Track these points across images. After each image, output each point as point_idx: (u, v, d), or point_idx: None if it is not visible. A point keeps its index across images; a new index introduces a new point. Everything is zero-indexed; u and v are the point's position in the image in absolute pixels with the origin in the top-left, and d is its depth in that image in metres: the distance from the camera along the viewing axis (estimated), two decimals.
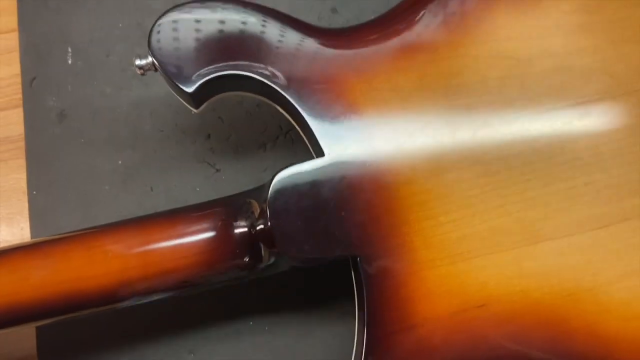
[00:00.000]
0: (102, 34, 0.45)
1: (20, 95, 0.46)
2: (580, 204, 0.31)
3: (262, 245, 0.32)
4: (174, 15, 0.32)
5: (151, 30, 0.32)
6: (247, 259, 0.32)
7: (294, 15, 0.43)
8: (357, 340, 0.31)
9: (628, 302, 0.30)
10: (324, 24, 0.43)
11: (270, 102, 0.33)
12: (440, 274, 0.30)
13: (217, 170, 0.43)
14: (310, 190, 0.31)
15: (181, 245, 0.32)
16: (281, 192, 0.31)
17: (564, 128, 0.31)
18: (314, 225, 0.30)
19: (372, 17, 0.42)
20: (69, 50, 0.46)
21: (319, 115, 0.32)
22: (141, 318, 0.40)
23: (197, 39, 0.32)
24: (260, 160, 0.43)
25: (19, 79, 0.46)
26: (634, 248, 0.30)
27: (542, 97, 0.32)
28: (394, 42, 0.33)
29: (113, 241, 0.32)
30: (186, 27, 0.32)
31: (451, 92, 0.32)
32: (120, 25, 0.45)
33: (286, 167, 0.31)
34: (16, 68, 0.46)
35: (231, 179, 0.43)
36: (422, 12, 0.33)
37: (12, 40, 0.46)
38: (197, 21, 0.32)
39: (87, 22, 0.46)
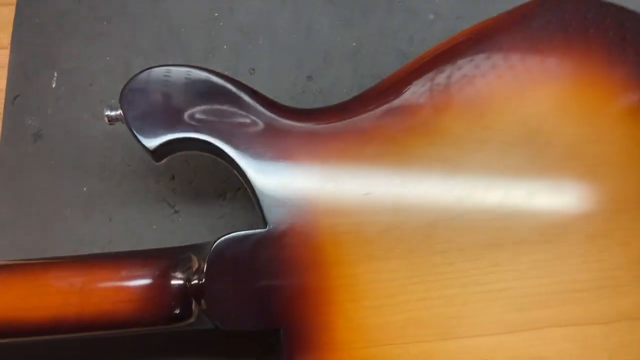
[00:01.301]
0: (89, 63, 0.48)
1: (2, 110, 0.47)
2: (493, 307, 0.33)
3: (193, 301, 0.34)
4: (147, 76, 0.34)
5: (124, 87, 0.34)
6: (177, 311, 0.34)
7: (272, 77, 0.47)
8: None
9: None
10: (298, 89, 0.46)
11: (228, 165, 0.36)
12: (355, 357, 0.32)
13: (176, 212, 0.45)
14: (247, 259, 0.33)
15: (121, 289, 0.34)
16: (220, 256, 0.33)
17: (486, 237, 0.34)
18: (244, 294, 0.32)
19: (343, 89, 0.46)
20: (55, 74, 0.48)
21: (268, 189, 0.34)
22: (69, 349, 0.42)
23: (165, 102, 0.34)
24: (218, 208, 0.45)
25: (3, 95, 0.48)
26: (532, 357, 0.32)
27: (476, 202, 0.34)
28: (349, 128, 0.35)
29: (57, 276, 0.34)
30: (156, 89, 0.34)
31: (394, 185, 0.34)
32: (107, 58, 0.47)
33: (231, 232, 0.33)
34: (2, 83, 0.48)
35: (187, 222, 0.45)
36: (377, 108, 0.35)
37: (4, 56, 0.48)
38: (167, 85, 0.34)
39: (77, 50, 0.48)
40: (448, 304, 0.33)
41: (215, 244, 0.33)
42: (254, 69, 0.47)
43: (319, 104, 0.47)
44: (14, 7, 0.49)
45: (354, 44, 0.47)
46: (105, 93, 0.47)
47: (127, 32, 0.48)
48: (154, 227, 0.45)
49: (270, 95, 0.38)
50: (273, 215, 0.33)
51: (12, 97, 0.47)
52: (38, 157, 0.46)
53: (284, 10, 0.48)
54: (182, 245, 0.36)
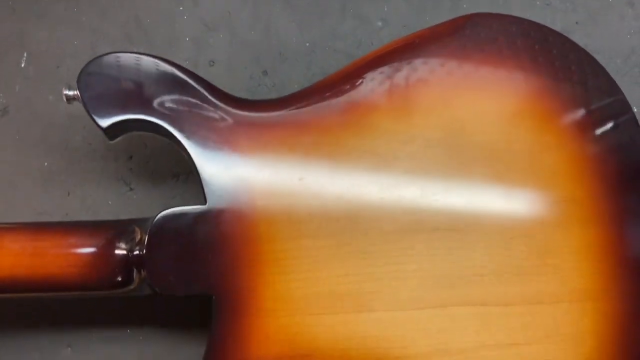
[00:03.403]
0: (57, 46, 0.50)
1: None
2: (406, 286, 0.37)
3: (134, 270, 0.37)
4: (104, 60, 0.37)
5: (82, 69, 0.37)
6: (119, 279, 0.37)
7: (230, 70, 0.50)
8: None
9: None
10: (254, 83, 0.49)
11: (175, 145, 0.39)
12: (279, 323, 0.35)
13: (131, 189, 0.48)
14: (186, 231, 0.36)
15: (69, 254, 0.37)
16: (162, 227, 0.36)
17: (405, 223, 0.38)
18: (182, 263, 0.36)
19: (295, 85, 0.49)
20: (25, 54, 0.50)
21: (209, 168, 0.37)
22: (24, 309, 0.44)
23: (118, 85, 0.37)
24: (171, 188, 0.48)
25: None
26: (438, 331, 0.36)
27: (399, 192, 0.38)
28: (290, 119, 0.39)
29: (10, 239, 0.37)
30: (110, 73, 0.37)
31: (323, 177, 0.38)
32: (75, 42, 0.50)
33: (172, 207, 0.37)
34: None
35: (142, 200, 0.48)
36: (318, 103, 0.39)
37: None
38: (120, 69, 0.37)
39: (46, 33, 0.51)
40: (366, 280, 0.37)
41: (157, 217, 0.36)
42: (213, 62, 0.50)
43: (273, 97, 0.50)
44: None
45: (307, 44, 0.50)
46: (71, 75, 0.50)
47: (95, 19, 0.51)
48: (110, 203, 0.48)
49: (227, 87, 0.42)
50: (212, 194, 0.37)
51: None
52: (3, 131, 0.49)
53: (244, 8, 0.51)
54: (129, 218, 0.39)
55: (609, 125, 0.41)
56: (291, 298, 0.36)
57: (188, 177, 0.48)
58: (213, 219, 0.36)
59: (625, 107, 0.42)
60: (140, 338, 0.45)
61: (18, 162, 0.48)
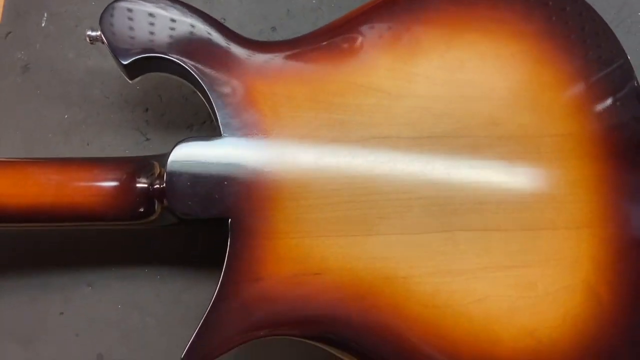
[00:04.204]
0: (76, 7, 0.53)
1: None
2: (411, 212, 0.39)
3: (156, 201, 0.39)
4: (126, 2, 0.40)
5: (105, 9, 0.40)
6: (141, 210, 0.39)
7: (240, 27, 0.52)
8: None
9: (430, 294, 0.37)
10: (263, 39, 0.52)
11: (191, 86, 0.41)
12: (291, 245, 0.37)
13: (147, 139, 0.50)
14: (202, 160, 0.38)
15: (92, 186, 0.39)
16: (179, 158, 0.38)
17: (412, 153, 0.40)
18: (200, 189, 0.38)
19: None
20: (45, 14, 0.53)
21: (225, 106, 0.39)
22: (50, 247, 0.47)
23: (138, 25, 0.39)
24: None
25: None
26: (441, 254, 0.38)
27: (401, 126, 0.40)
28: (299, 58, 0.41)
29: (36, 171, 0.39)
30: (135, 14, 0.40)
31: (332, 108, 0.40)
32: (93, 3, 0.53)
33: (188, 139, 0.39)
34: None
35: (157, 149, 0.50)
36: (325, 42, 0.41)
37: None
38: (140, 11, 0.40)
39: None
40: (373, 207, 0.38)
41: (175, 148, 0.38)
42: (224, 19, 0.53)
43: None
44: None
45: (314, 1, 0.53)
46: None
47: None
48: (127, 152, 0.50)
49: None
50: (227, 126, 0.39)
51: (5, 33, 0.52)
52: (25, 87, 0.51)
53: None
54: (147, 155, 0.42)
55: (604, 67, 0.43)
56: (302, 222, 0.38)
57: (201, 127, 0.51)
58: (228, 149, 0.38)
59: (620, 50, 0.44)
60: (158, 277, 0.47)
61: (39, 116, 0.51)
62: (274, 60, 0.41)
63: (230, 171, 0.38)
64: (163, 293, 0.47)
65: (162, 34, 0.40)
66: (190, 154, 0.38)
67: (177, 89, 0.52)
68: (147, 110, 0.51)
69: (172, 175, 0.38)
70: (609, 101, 0.43)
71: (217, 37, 0.41)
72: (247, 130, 0.39)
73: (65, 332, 0.46)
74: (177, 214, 0.38)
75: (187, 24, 0.41)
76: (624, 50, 0.45)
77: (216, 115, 0.39)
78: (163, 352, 0.46)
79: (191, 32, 0.41)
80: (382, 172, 0.40)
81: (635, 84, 0.43)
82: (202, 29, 0.41)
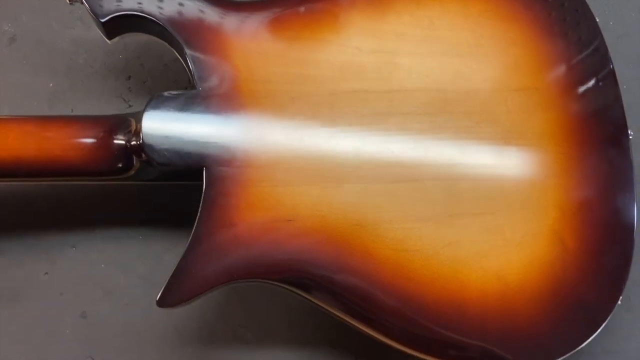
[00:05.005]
0: None
1: None
2: (381, 162, 0.40)
3: (134, 157, 0.40)
4: None
5: None
6: (120, 165, 0.40)
7: None
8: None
9: (399, 239, 0.39)
10: None
11: (168, 45, 0.43)
12: (264, 192, 0.39)
13: (130, 106, 0.52)
14: (178, 112, 0.39)
15: (71, 141, 0.41)
16: (154, 109, 0.39)
17: (382, 106, 0.41)
18: (176, 140, 0.39)
19: None
20: None
21: (200, 61, 0.41)
22: (35, 209, 0.48)
23: None
24: None
25: None
26: (412, 201, 0.39)
27: (371, 81, 0.41)
28: (271, 17, 0.42)
29: (17, 126, 0.40)
30: None
31: (304, 63, 0.41)
32: None
33: (162, 93, 0.40)
34: None
35: None
36: (297, 2, 0.43)
37: None
38: None
39: None
40: (347, 157, 0.40)
41: (150, 100, 0.40)
42: None
43: None
44: None
45: None
46: (74, 6, 0.54)
47: None
48: None
49: None
50: (201, 79, 0.40)
51: None
52: (12, 57, 0.53)
53: None
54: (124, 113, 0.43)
55: (569, 22, 0.44)
56: (274, 169, 0.39)
57: None
58: (202, 100, 0.40)
59: (588, 11, 0.46)
60: (140, 237, 0.48)
61: (25, 84, 0.52)
62: (248, 19, 0.43)
63: (204, 121, 0.40)
64: (145, 253, 0.48)
65: None
66: (166, 106, 0.40)
67: (158, 58, 0.53)
68: (129, 78, 0.52)
69: (149, 127, 0.39)
70: (575, 56, 0.44)
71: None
72: (221, 83, 0.41)
73: (50, 292, 0.47)
74: (155, 164, 0.39)
75: None
76: (590, 10, 0.46)
77: (192, 71, 0.41)
78: (146, 310, 0.47)
79: None
80: (352, 123, 0.41)
81: (602, 38, 0.45)
82: None
